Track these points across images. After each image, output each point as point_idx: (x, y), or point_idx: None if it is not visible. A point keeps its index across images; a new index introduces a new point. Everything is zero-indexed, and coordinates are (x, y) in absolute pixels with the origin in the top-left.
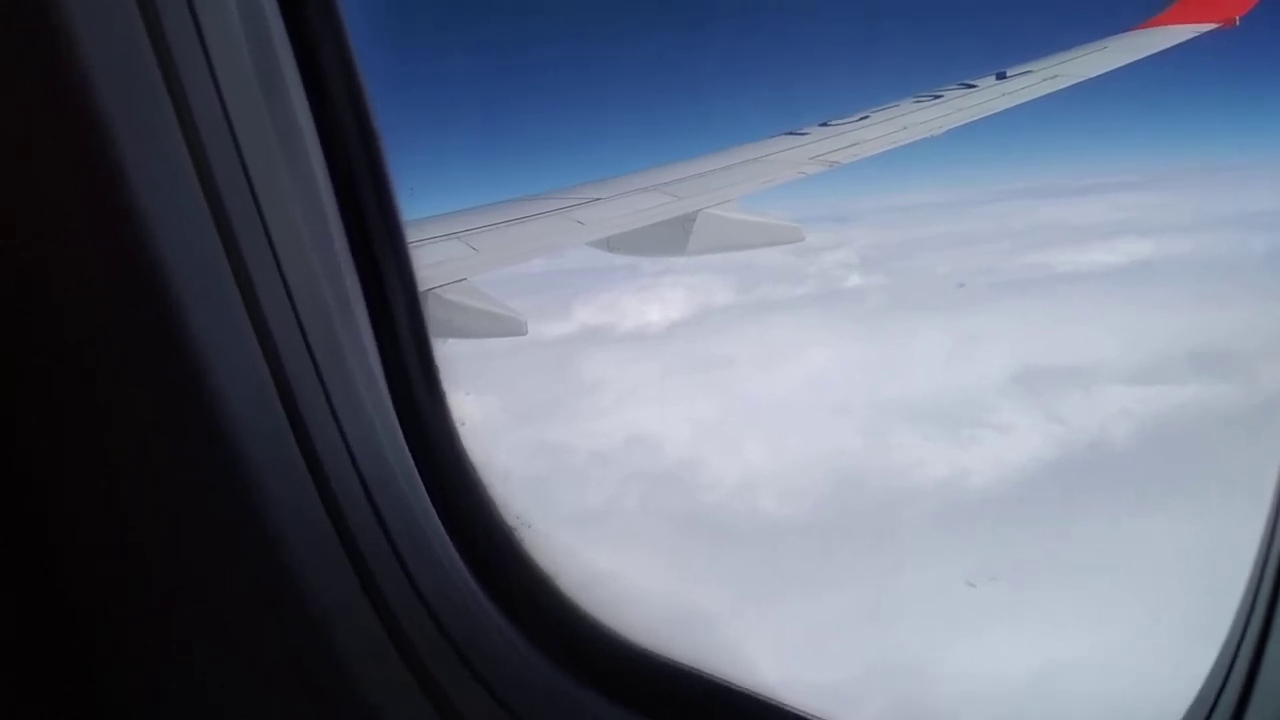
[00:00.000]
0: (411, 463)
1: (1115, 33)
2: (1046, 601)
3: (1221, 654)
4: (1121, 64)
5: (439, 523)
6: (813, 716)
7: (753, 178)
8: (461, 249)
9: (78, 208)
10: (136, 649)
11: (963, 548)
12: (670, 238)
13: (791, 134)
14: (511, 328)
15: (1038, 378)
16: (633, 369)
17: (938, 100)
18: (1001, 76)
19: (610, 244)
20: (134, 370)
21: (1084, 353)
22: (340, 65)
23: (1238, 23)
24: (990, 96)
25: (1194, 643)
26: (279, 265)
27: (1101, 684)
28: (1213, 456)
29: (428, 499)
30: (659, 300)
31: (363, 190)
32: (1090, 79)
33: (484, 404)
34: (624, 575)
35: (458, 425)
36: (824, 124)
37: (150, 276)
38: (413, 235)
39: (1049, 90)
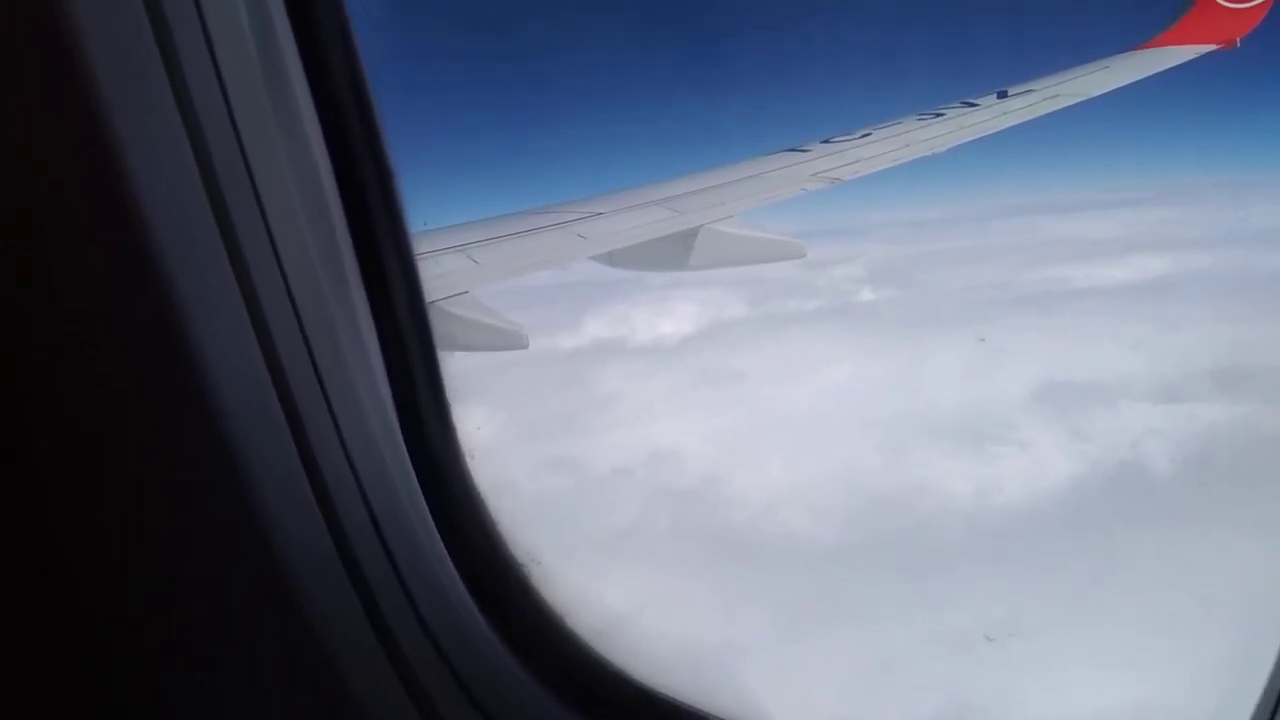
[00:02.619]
0: (419, 489)
1: (1118, 53)
2: (1089, 631)
3: (1270, 683)
4: (1123, 84)
5: (445, 554)
6: None
7: (754, 194)
8: (463, 262)
9: (78, 202)
10: (137, 650)
11: (995, 575)
12: (672, 253)
13: (793, 150)
14: (512, 341)
15: (1060, 395)
16: (646, 383)
17: (940, 118)
18: (1003, 95)
19: (613, 258)
20: (135, 369)
21: (1105, 369)
22: (346, 64)
23: (1239, 44)
24: (992, 115)
25: (1239, 673)
26: (280, 264)
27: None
28: (1244, 476)
29: (434, 528)
30: (669, 314)
31: (367, 190)
32: (1092, 98)
33: (495, 419)
34: (638, 603)
35: (466, 455)
36: (826, 141)
37: (151, 274)
38: (414, 247)
39: (1051, 109)
